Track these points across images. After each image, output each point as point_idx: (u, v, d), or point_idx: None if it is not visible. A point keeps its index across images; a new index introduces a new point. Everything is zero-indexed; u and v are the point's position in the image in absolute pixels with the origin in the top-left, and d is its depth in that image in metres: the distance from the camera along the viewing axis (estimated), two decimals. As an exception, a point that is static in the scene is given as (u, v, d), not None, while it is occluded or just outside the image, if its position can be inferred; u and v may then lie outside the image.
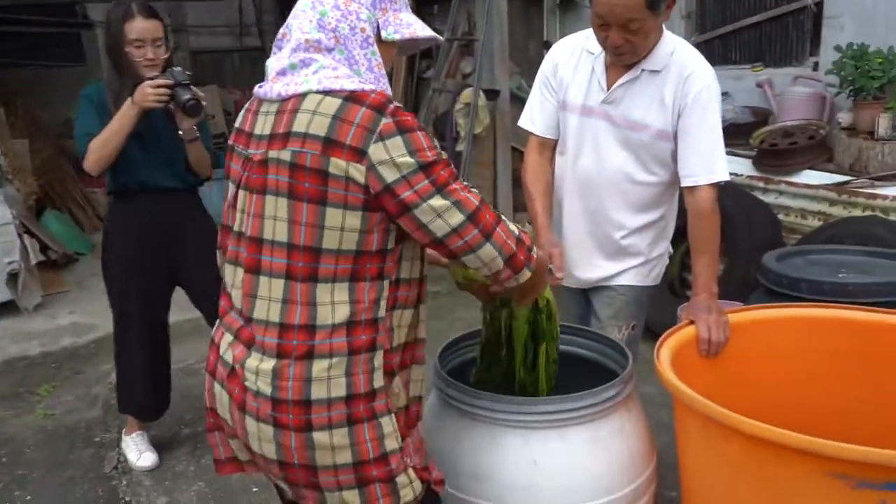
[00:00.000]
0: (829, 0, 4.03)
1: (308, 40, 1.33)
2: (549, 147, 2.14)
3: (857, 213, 3.29)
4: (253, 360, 1.34)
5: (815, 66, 4.16)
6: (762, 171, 3.81)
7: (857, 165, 3.51)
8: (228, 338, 1.43)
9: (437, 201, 1.28)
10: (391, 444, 1.36)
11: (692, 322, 1.87)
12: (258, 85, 1.41)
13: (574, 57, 2.04)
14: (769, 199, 3.71)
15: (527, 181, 2.14)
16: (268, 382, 1.31)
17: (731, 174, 3.77)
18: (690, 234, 1.97)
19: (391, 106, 1.28)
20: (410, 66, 7.03)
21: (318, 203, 1.28)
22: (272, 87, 1.36)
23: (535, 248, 1.44)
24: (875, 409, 1.86)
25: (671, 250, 2.23)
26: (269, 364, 1.32)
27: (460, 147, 5.48)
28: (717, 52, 4.85)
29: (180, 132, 2.59)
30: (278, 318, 1.33)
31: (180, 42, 9.14)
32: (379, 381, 1.35)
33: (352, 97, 1.28)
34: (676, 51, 1.93)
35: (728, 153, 4.03)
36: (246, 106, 1.46)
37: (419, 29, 1.40)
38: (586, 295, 2.21)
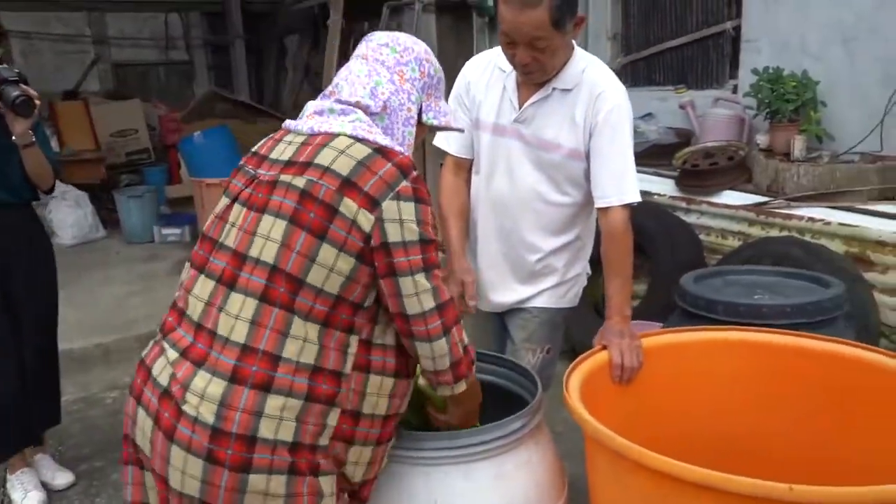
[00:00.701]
0: (747, 24, 4.11)
1: (358, 102, 1.40)
2: (465, 167, 2.08)
3: (774, 233, 3.32)
4: (200, 381, 1.25)
5: (735, 89, 4.23)
6: (684, 191, 3.83)
7: (774, 186, 3.56)
8: (171, 355, 1.33)
9: (421, 279, 1.32)
10: None
11: (605, 347, 1.80)
12: (289, 120, 1.47)
13: (486, 74, 1.98)
14: (691, 219, 3.73)
15: (441, 203, 2.07)
16: (212, 409, 1.22)
17: (654, 194, 3.85)
18: (603, 256, 1.91)
19: (414, 173, 1.33)
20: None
21: (318, 236, 1.28)
22: (305, 122, 1.41)
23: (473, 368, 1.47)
24: (793, 431, 1.83)
25: (589, 271, 2.18)
26: (218, 388, 1.24)
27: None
28: (641, 74, 4.91)
29: (13, 137, 2.37)
30: (243, 338, 1.27)
31: (101, 54, 8.81)
32: (325, 439, 1.30)
33: (381, 151, 1.33)
34: (588, 69, 1.88)
35: (652, 173, 4.09)
36: (271, 134, 1.48)
37: (452, 120, 1.53)
38: (502, 318, 2.14)
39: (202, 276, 1.37)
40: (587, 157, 1.90)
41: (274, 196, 1.32)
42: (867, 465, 1.67)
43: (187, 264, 1.46)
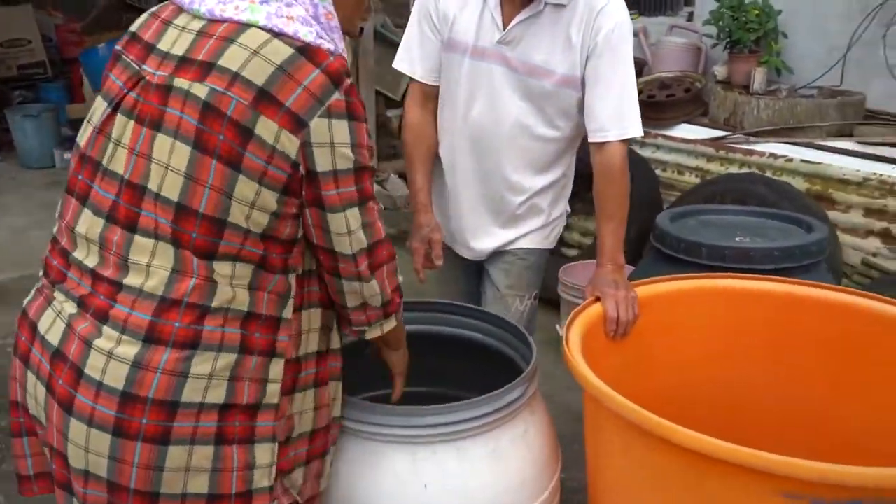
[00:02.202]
0: (706, -52, 3.90)
1: None
2: (433, 97, 1.80)
3: (734, 169, 3.21)
4: (105, 342, 1.03)
5: (690, 17, 4.06)
6: (639, 123, 3.67)
7: (732, 120, 3.44)
8: (67, 308, 1.09)
9: (354, 215, 1.11)
10: (261, 480, 1.07)
11: (598, 299, 1.62)
12: None
13: None
14: (646, 153, 3.58)
15: (407, 141, 1.80)
16: (121, 374, 1.01)
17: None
18: (597, 196, 1.71)
19: (347, 81, 1.07)
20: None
21: (231, 165, 1.03)
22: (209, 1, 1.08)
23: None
24: (788, 384, 1.73)
25: (569, 210, 1.98)
26: (130, 349, 1.02)
27: (319, 88, 5.00)
28: (591, -3, 4.66)
29: None
30: (161, 290, 1.04)
31: (-17, -49, 7.79)
32: (272, 397, 1.10)
33: (306, 51, 1.05)
34: None
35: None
36: (153, 10, 1.16)
37: None
38: (478, 266, 1.91)
39: (86, 210, 1.11)
40: (582, 84, 1.66)
41: (169, 108, 1.04)
42: (867, 426, 1.59)
43: (64, 191, 1.18)
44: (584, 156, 1.80)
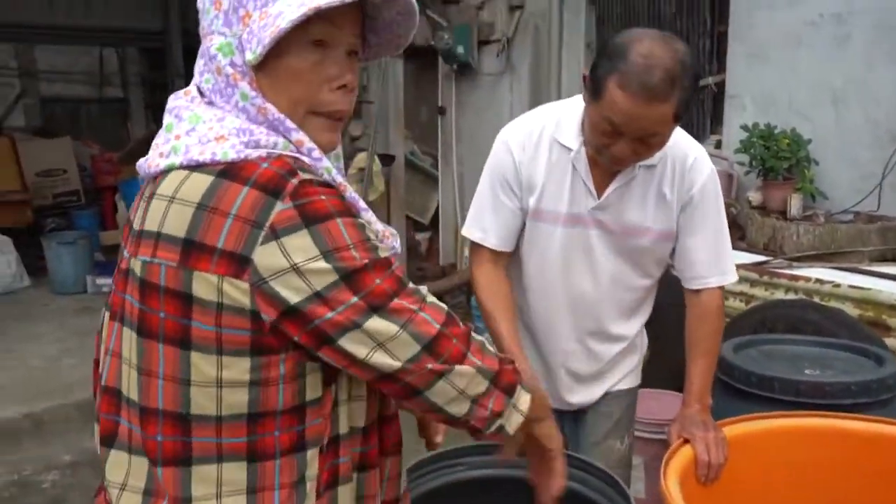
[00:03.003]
0: (731, 80, 4.08)
1: (188, 91, 0.95)
2: (505, 255, 1.73)
3: (780, 294, 3.20)
4: None
5: (718, 144, 4.17)
6: (677, 248, 3.70)
7: (772, 245, 3.46)
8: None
9: (378, 326, 0.86)
10: None
11: (686, 441, 1.57)
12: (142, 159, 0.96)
13: (542, 152, 1.62)
14: (686, 277, 3.58)
15: (484, 299, 1.70)
16: None
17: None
18: (690, 335, 1.73)
19: (293, 181, 0.84)
20: (294, 126, 6.63)
21: (178, 344, 0.86)
22: (150, 157, 0.93)
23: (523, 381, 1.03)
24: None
25: None
26: None
27: (352, 214, 5.11)
28: (617, 126, 4.82)
29: None
30: None
31: (28, 88, 8.24)
32: None
33: (229, 171, 0.85)
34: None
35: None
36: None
37: (290, 12, 0.84)
38: (572, 413, 1.87)
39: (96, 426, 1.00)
40: (677, 235, 1.68)
41: (126, 294, 0.91)
42: None
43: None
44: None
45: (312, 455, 0.91)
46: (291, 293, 0.83)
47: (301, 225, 0.83)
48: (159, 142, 0.92)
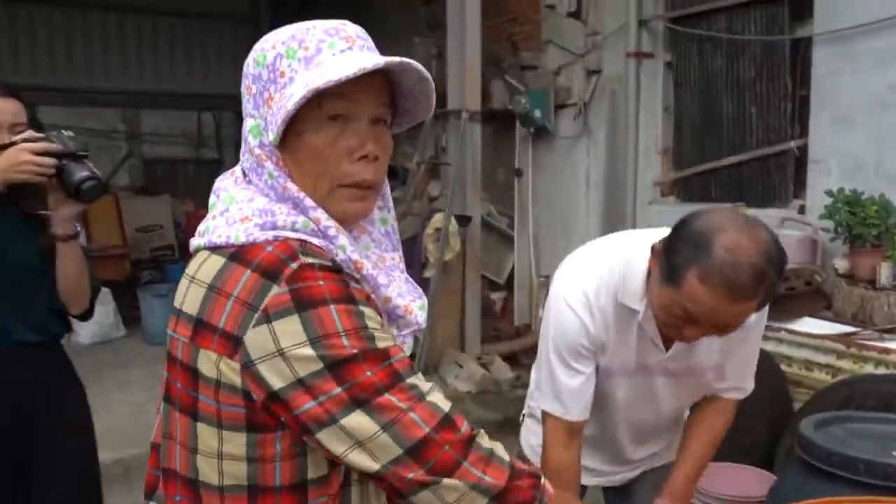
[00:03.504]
0: (814, 144, 3.99)
1: (233, 170, 1.00)
2: (580, 430, 1.61)
3: (870, 368, 3.05)
4: None
5: (802, 209, 4.06)
6: (758, 316, 3.59)
7: (861, 315, 3.32)
8: None
9: (357, 423, 0.83)
10: None
11: None
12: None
13: (609, 316, 1.53)
14: (768, 346, 3.45)
15: (554, 482, 1.66)
16: None
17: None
18: (697, 424, 1.74)
19: (292, 265, 0.85)
20: (375, 186, 6.84)
21: (190, 415, 0.90)
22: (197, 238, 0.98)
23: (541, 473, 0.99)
24: None
25: None
26: None
27: (428, 274, 5.19)
28: (695, 190, 4.77)
29: (52, 230, 1.72)
30: None
31: (133, 150, 8.85)
32: None
33: (238, 254, 0.88)
34: None
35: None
36: None
37: (297, 95, 0.85)
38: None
39: None
40: None
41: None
42: None
43: None
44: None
45: None
46: (276, 378, 0.83)
47: (293, 310, 0.83)
48: (203, 221, 0.97)
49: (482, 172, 5.65)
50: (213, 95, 9.25)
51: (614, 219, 5.13)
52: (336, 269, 0.88)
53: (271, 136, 0.90)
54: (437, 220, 5.18)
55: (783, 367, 3.36)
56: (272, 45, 0.92)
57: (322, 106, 0.89)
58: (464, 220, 5.28)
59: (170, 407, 0.95)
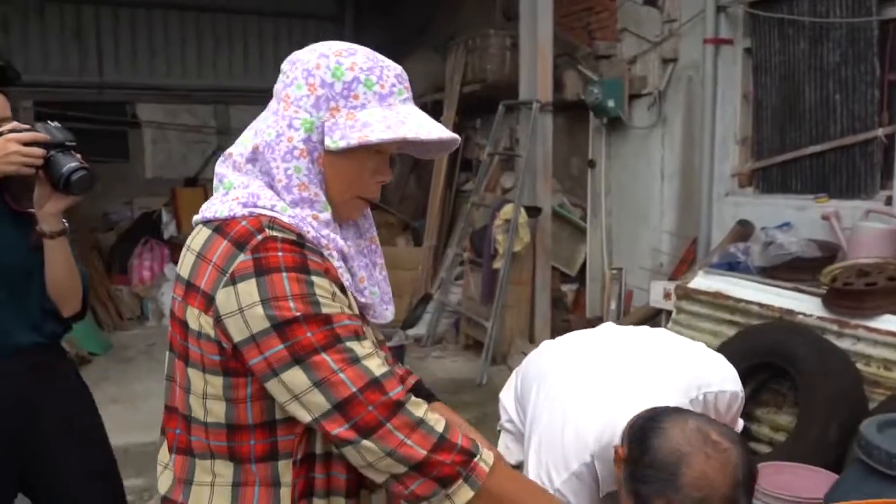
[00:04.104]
0: (904, 132, 3.76)
1: (231, 153, 1.11)
2: None
3: (953, 369, 2.87)
4: None
5: (888, 201, 3.84)
6: (835, 312, 3.42)
7: (947, 312, 3.11)
8: None
9: (295, 377, 0.97)
10: None
11: None
12: None
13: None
14: (844, 344, 3.30)
15: None
16: None
17: (799, 313, 3.46)
18: None
19: (258, 237, 1.00)
20: (449, 178, 6.91)
21: (184, 361, 1.07)
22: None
23: (485, 454, 1.03)
24: None
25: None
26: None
27: (497, 265, 5.21)
28: (775, 180, 4.58)
29: (39, 227, 1.62)
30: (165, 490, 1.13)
31: (222, 144, 9.26)
32: None
33: (220, 227, 1.03)
34: None
35: (792, 289, 3.71)
36: None
37: (379, 130, 1.02)
38: None
39: None
40: None
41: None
42: None
43: None
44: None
45: (285, 465, 1.04)
46: (237, 332, 0.99)
47: (252, 274, 0.98)
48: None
49: (555, 163, 5.61)
50: (297, 90, 9.52)
51: (689, 210, 4.99)
52: (297, 243, 1.01)
53: (331, 143, 1.04)
54: (507, 211, 5.18)
55: (860, 365, 3.20)
56: (350, 64, 1.06)
57: (377, 144, 1.06)
58: (534, 212, 5.26)
59: (172, 354, 1.11)
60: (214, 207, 1.06)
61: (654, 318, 4.93)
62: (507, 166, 6.26)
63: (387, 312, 1.18)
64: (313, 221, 1.05)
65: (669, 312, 4.34)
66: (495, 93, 5.91)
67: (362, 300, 1.13)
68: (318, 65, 1.06)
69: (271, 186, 1.06)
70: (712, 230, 4.75)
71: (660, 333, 1.76)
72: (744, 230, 4.50)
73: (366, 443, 0.97)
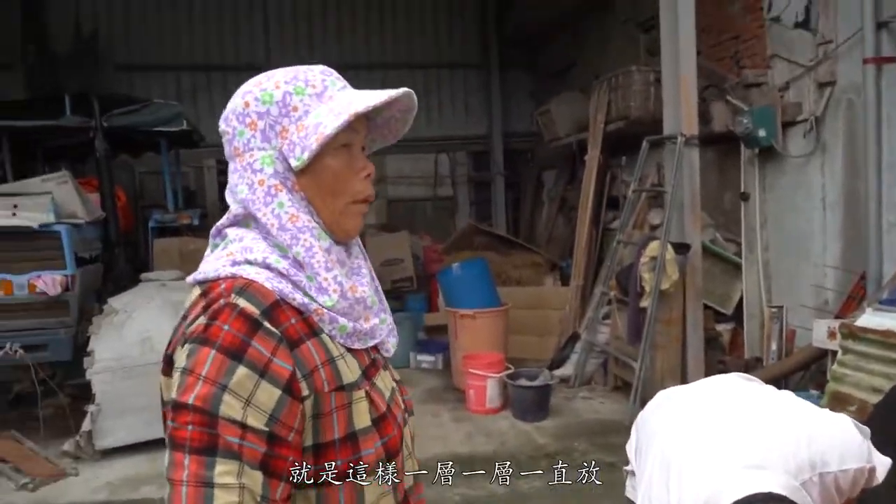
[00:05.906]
0: None
1: (220, 224, 1.10)
2: None
3: None
4: None
5: None
6: None
7: None
8: None
9: (168, 455, 0.92)
10: None
11: None
12: None
13: None
14: None
15: None
16: None
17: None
18: None
19: (220, 302, 0.96)
20: (596, 216, 6.86)
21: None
22: None
23: None
24: None
25: None
26: None
27: (644, 303, 5.08)
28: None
29: None
30: None
31: (379, 191, 9.82)
32: None
33: (205, 290, 1.00)
34: None
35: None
36: None
37: (331, 122, 1.00)
38: None
39: None
40: None
41: None
42: None
43: None
44: None
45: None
46: (167, 392, 0.97)
47: (195, 339, 0.94)
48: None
49: (706, 198, 5.42)
50: (447, 138, 9.94)
51: (856, 241, 4.62)
52: (254, 321, 0.95)
53: (296, 162, 1.01)
54: (652, 248, 5.06)
55: None
56: (274, 85, 1.04)
57: (337, 137, 1.02)
58: (682, 248, 5.10)
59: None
60: (206, 266, 1.04)
61: (819, 359, 4.58)
62: (655, 203, 6.13)
63: (393, 340, 1.16)
64: (318, 278, 1.03)
65: (835, 353, 4.02)
66: (640, 129, 5.85)
67: (372, 342, 1.10)
68: (245, 103, 1.05)
69: (267, 237, 1.04)
70: (883, 263, 4.37)
71: (783, 398, 1.64)
72: (920, 262, 4.10)
73: None
